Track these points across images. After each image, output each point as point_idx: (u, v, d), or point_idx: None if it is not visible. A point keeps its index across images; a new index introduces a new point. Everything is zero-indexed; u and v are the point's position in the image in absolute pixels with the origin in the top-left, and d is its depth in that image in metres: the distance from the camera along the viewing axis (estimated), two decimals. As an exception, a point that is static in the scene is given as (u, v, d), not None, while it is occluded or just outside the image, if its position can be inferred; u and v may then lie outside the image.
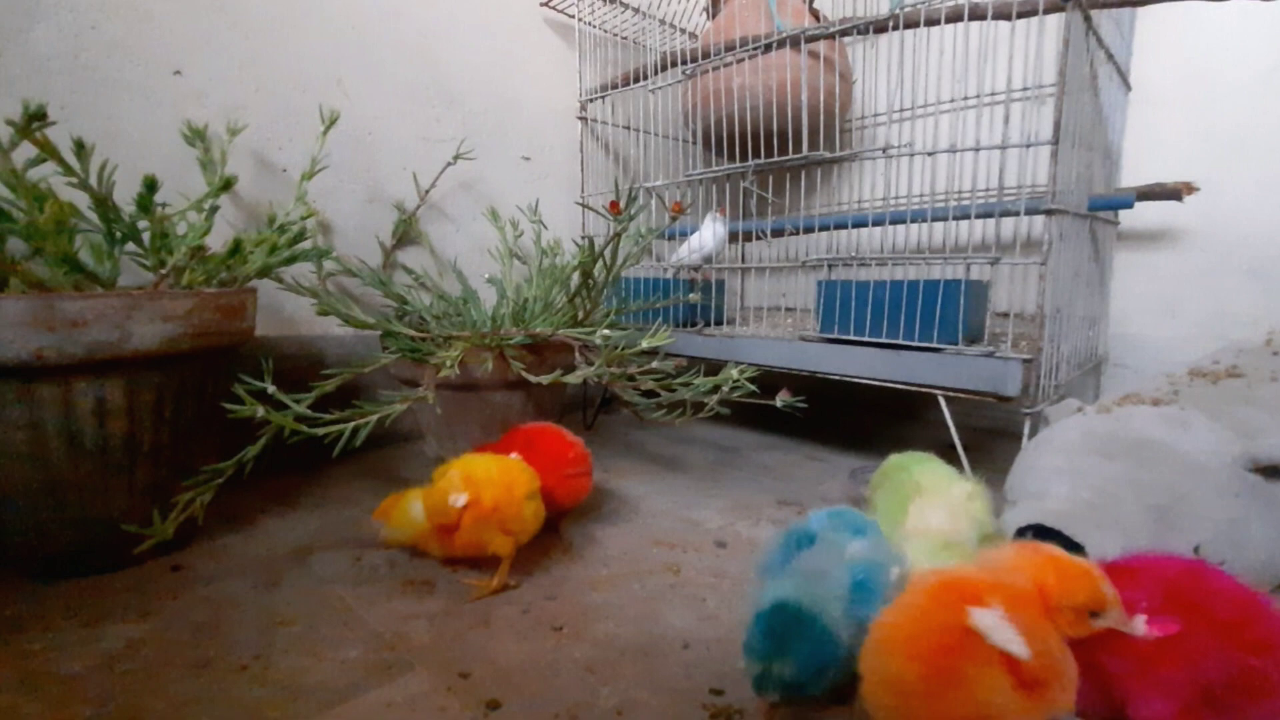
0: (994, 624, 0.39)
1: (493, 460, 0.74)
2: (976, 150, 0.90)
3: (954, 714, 0.39)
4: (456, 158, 1.28)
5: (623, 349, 0.94)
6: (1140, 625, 0.41)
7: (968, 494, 0.55)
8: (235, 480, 0.76)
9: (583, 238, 1.46)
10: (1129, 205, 1.16)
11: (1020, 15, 0.91)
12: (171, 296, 0.71)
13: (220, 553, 0.79)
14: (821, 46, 1.24)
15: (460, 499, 0.68)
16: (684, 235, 1.33)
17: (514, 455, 0.81)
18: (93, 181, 0.74)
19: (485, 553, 0.71)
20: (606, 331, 0.92)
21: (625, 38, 1.52)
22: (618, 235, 0.90)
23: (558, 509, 0.84)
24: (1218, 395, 0.75)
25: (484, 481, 0.70)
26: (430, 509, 0.70)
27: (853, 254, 1.03)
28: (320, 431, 0.75)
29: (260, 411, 0.71)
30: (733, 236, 1.27)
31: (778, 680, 0.46)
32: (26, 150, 0.70)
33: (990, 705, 0.38)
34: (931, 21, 0.96)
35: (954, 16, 0.95)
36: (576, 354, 0.96)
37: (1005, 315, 1.29)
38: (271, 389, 0.73)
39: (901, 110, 1.41)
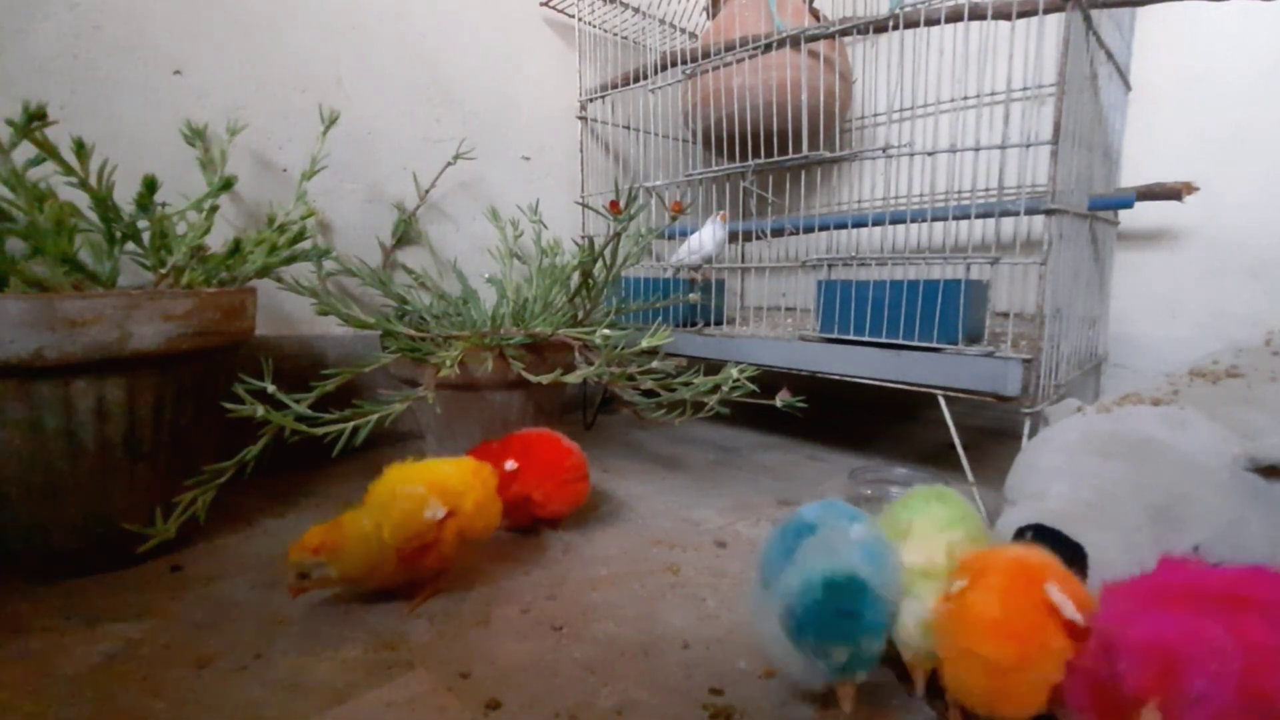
0: (1064, 599, 0.44)
1: (445, 464, 0.71)
2: (976, 150, 0.90)
3: (1041, 683, 0.43)
4: (456, 157, 1.28)
5: (622, 349, 0.94)
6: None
7: (948, 548, 0.55)
8: (235, 480, 0.76)
9: (583, 237, 1.46)
10: (1129, 205, 1.16)
11: (1020, 15, 0.90)
12: (171, 296, 0.71)
13: (220, 553, 0.79)
14: (821, 46, 1.24)
15: (439, 511, 0.64)
16: (684, 235, 1.33)
17: (511, 463, 0.82)
18: (93, 181, 0.74)
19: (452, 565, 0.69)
20: (606, 331, 0.92)
21: (625, 37, 1.52)
22: (618, 235, 0.90)
23: (556, 515, 0.85)
24: (1218, 395, 0.75)
25: (459, 488, 0.67)
26: (401, 531, 0.63)
27: (852, 254, 1.03)
28: (320, 431, 0.75)
29: (260, 411, 0.71)
30: (733, 236, 1.27)
31: (867, 658, 0.47)
32: (26, 150, 0.70)
33: (1063, 668, 0.43)
34: (931, 21, 0.96)
35: (954, 16, 0.95)
36: (576, 354, 0.96)
37: (1005, 315, 1.29)
38: (271, 389, 0.73)
39: (901, 110, 1.41)
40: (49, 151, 0.70)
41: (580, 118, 1.46)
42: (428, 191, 1.28)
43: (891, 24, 0.98)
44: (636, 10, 1.47)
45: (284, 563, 0.62)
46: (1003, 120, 0.88)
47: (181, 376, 0.75)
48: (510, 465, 0.81)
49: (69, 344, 0.64)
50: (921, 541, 0.54)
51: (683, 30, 1.56)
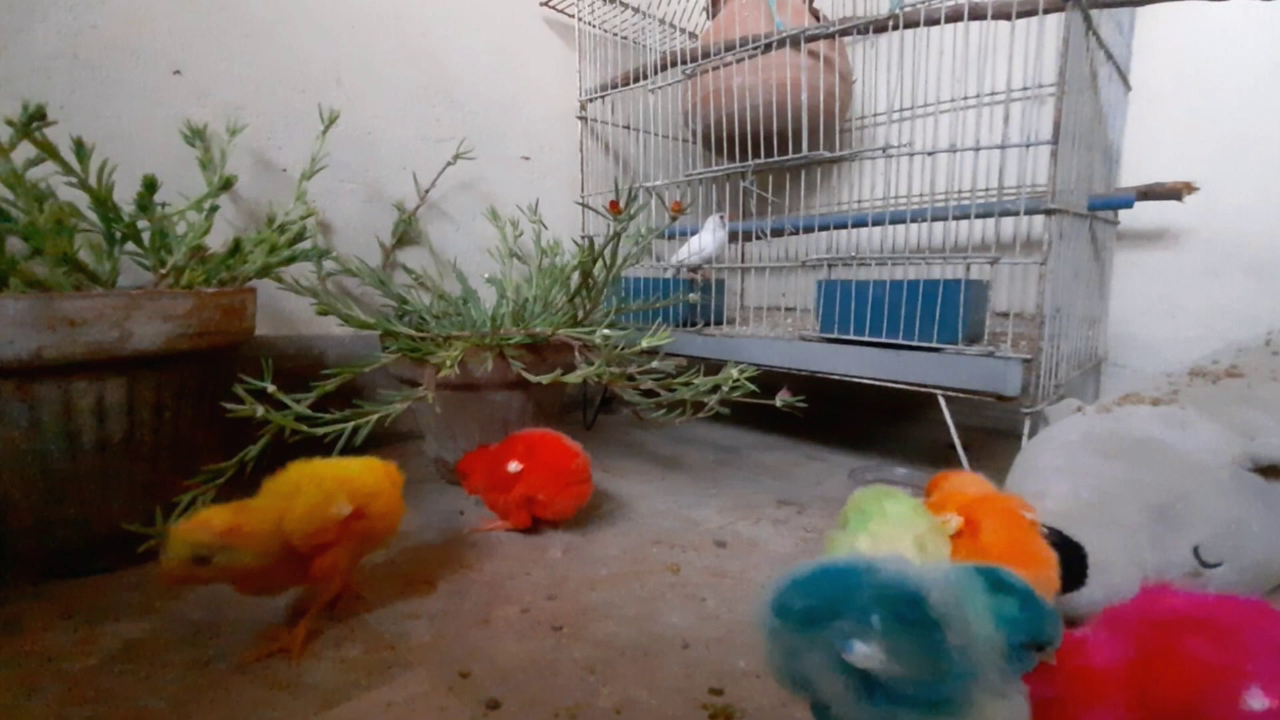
0: None
1: (353, 462, 0.66)
2: (976, 150, 0.90)
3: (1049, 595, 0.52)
4: (456, 157, 1.28)
5: (622, 349, 0.94)
6: (1257, 699, 0.36)
7: (917, 541, 0.54)
8: (236, 480, 0.76)
9: (583, 237, 1.46)
10: (1129, 205, 1.16)
11: (1020, 15, 0.90)
12: (171, 296, 0.71)
13: (220, 552, 0.79)
14: (821, 46, 1.24)
15: (345, 508, 0.60)
16: (684, 235, 1.32)
17: (515, 464, 0.82)
18: (93, 181, 0.74)
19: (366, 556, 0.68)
20: (606, 331, 0.91)
21: (625, 37, 1.52)
22: (618, 235, 0.90)
23: (559, 516, 0.85)
24: (1218, 395, 0.75)
25: (369, 488, 0.63)
26: (302, 526, 0.58)
27: (852, 254, 1.03)
28: (320, 431, 0.75)
29: (260, 411, 0.71)
30: (733, 236, 1.27)
31: None
32: (26, 150, 0.70)
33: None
34: (931, 21, 0.96)
35: (954, 16, 0.95)
36: (576, 354, 0.96)
37: (1005, 315, 1.29)
38: (271, 388, 0.73)
39: (901, 110, 1.41)
40: (49, 151, 0.70)
41: (580, 118, 1.46)
42: (427, 191, 1.28)
43: (891, 24, 0.98)
44: (636, 10, 1.47)
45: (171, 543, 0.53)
46: (1003, 120, 0.88)
47: (181, 376, 0.75)
48: (515, 467, 0.82)
49: (69, 344, 0.64)
50: (889, 544, 0.54)
51: (683, 30, 1.56)
